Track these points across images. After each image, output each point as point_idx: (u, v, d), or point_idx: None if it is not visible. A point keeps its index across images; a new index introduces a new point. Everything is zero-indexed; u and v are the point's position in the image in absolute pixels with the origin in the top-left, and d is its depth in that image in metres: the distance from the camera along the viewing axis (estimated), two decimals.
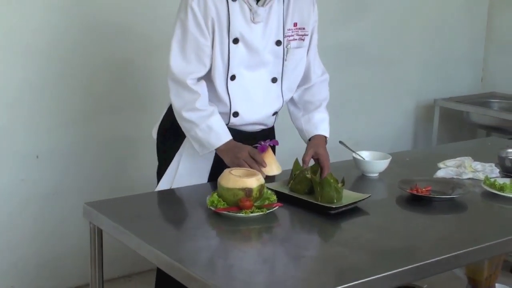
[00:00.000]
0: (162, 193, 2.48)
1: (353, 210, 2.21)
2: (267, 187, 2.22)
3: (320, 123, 2.61)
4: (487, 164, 2.69)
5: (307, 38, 2.56)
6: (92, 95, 3.42)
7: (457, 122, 4.92)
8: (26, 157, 3.29)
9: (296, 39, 2.51)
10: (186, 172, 2.52)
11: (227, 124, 2.48)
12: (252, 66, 2.46)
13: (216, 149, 2.43)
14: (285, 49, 2.49)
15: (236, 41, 2.40)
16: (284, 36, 2.48)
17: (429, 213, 2.28)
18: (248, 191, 2.10)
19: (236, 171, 2.17)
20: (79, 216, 2.25)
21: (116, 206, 2.26)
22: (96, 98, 3.43)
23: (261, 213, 2.09)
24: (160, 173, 2.61)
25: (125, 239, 2.02)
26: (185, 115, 2.41)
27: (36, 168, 3.32)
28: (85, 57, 3.36)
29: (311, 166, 2.38)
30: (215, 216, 2.10)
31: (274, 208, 2.13)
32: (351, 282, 1.69)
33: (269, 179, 2.34)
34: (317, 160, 2.47)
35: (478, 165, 2.68)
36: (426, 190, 2.35)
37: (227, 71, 2.42)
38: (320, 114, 2.63)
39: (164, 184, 2.54)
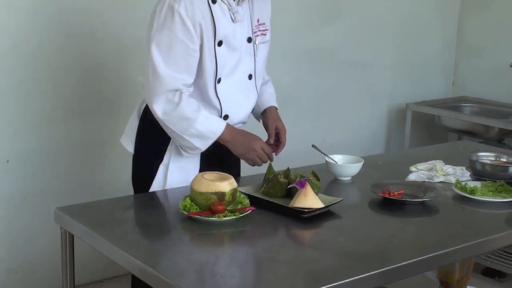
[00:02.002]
0: (134, 197, 2.47)
1: (326, 214, 2.21)
2: (240, 191, 2.22)
3: (272, 96, 2.74)
4: (458, 168, 2.71)
5: (268, 33, 2.60)
6: (62, 98, 3.39)
7: (428, 126, 4.96)
8: None
9: (258, 35, 2.56)
10: (174, 181, 2.48)
11: None
12: (233, 66, 2.48)
13: (220, 139, 2.42)
14: (255, 45, 2.53)
15: (220, 43, 2.40)
16: (252, 33, 2.52)
17: (401, 216, 2.29)
18: (220, 195, 2.09)
19: (208, 175, 2.17)
20: (50, 221, 2.23)
21: (87, 210, 2.24)
22: (65, 102, 3.40)
23: (234, 217, 2.09)
24: (139, 183, 2.56)
25: (96, 244, 2.01)
26: (178, 115, 2.35)
27: (6, 172, 3.28)
28: (54, 60, 3.33)
29: (284, 171, 2.38)
30: (188, 220, 2.10)
31: (247, 212, 2.13)
32: (323, 286, 1.69)
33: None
34: (277, 134, 2.60)
35: (449, 169, 2.70)
36: (398, 194, 2.36)
37: (215, 74, 2.42)
38: (270, 89, 2.75)
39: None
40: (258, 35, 2.55)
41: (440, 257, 1.97)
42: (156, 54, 2.34)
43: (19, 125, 3.29)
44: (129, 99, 3.56)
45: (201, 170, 2.48)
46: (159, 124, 2.43)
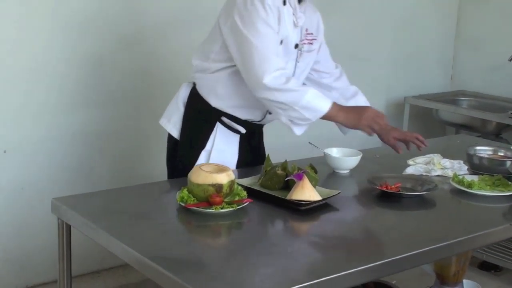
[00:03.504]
0: (132, 188, 2.47)
1: (323, 206, 2.21)
2: (238, 183, 2.22)
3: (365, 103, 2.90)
4: (455, 161, 2.71)
5: (315, 43, 2.70)
6: (61, 89, 3.38)
7: (426, 120, 4.96)
8: None
9: (305, 43, 2.64)
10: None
11: (259, 120, 2.67)
12: None
13: (330, 113, 2.51)
14: (299, 52, 2.61)
15: (281, 42, 2.51)
16: (300, 40, 2.61)
17: (398, 210, 2.30)
18: (218, 187, 2.09)
19: (206, 166, 2.17)
20: (47, 211, 2.23)
21: (85, 201, 2.24)
22: (65, 93, 3.40)
23: (231, 209, 2.09)
24: (177, 167, 2.63)
25: (94, 235, 2.01)
26: (289, 88, 2.43)
27: (4, 163, 3.28)
28: (56, 50, 3.33)
29: (281, 163, 2.38)
30: (185, 211, 2.10)
31: (244, 204, 2.13)
32: (320, 278, 1.70)
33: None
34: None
35: (446, 162, 2.70)
36: (396, 187, 2.37)
37: None
38: (362, 97, 2.94)
39: None
40: (305, 43, 2.64)
41: (436, 250, 1.98)
42: (257, 40, 2.42)
43: (17, 115, 3.28)
44: (130, 91, 3.57)
45: (238, 157, 2.65)
46: (204, 112, 2.59)
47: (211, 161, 2.56)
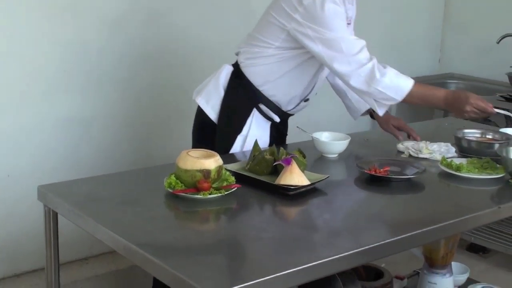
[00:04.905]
0: (119, 175, 2.45)
1: (312, 191, 2.21)
2: (226, 169, 2.21)
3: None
4: (443, 144, 2.71)
5: None
6: (46, 75, 3.34)
7: None
8: None
9: None
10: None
11: (292, 108, 2.80)
12: None
13: (412, 92, 2.59)
14: None
15: None
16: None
17: (387, 193, 2.29)
18: (206, 173, 2.08)
19: (193, 152, 2.15)
20: (34, 198, 2.21)
21: (71, 188, 2.22)
22: (50, 78, 3.36)
23: (219, 194, 2.07)
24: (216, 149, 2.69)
25: (81, 222, 1.99)
26: (370, 70, 2.55)
27: None
28: (36, 36, 3.28)
29: (269, 148, 2.37)
30: (173, 198, 2.08)
31: (233, 190, 2.12)
32: (309, 263, 1.69)
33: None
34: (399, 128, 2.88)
35: (434, 145, 2.70)
36: (384, 171, 2.36)
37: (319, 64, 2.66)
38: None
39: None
40: None
41: (425, 234, 1.97)
42: (343, 32, 2.59)
43: (2, 103, 3.25)
44: (111, 76, 3.53)
45: (269, 144, 2.72)
46: (245, 98, 2.70)
47: (246, 146, 2.67)
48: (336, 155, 2.64)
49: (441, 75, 5.07)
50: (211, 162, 2.10)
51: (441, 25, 5.19)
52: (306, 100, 2.82)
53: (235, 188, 2.13)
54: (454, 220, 2.06)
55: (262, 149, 2.37)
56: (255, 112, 2.72)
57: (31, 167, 3.36)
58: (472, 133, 2.84)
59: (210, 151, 2.19)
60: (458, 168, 2.43)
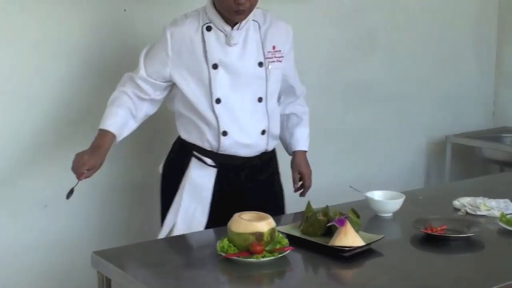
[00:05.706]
0: (171, 239, 2.45)
1: (367, 252, 2.16)
2: (279, 231, 2.18)
3: (302, 139, 2.90)
4: (501, 200, 2.64)
5: (283, 60, 2.72)
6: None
7: (469, 158, 4.87)
8: (33, 206, 3.26)
9: (274, 61, 2.68)
10: (189, 201, 2.66)
11: (217, 150, 2.64)
12: (237, 87, 2.61)
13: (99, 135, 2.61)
14: (267, 70, 2.65)
15: (215, 66, 2.57)
16: (265, 58, 2.64)
17: (445, 253, 2.23)
18: (258, 235, 2.06)
19: (246, 215, 2.14)
20: (87, 265, 2.21)
21: (125, 254, 2.22)
22: None
23: (272, 257, 2.05)
24: (164, 211, 2.76)
25: None
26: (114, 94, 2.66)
27: (44, 217, 3.28)
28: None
29: (322, 209, 2.34)
30: (226, 262, 2.06)
31: (286, 252, 2.09)
32: None
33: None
34: (301, 178, 2.85)
35: (492, 202, 2.63)
36: (441, 229, 2.31)
37: (210, 95, 2.59)
38: (302, 128, 2.91)
39: (170, 219, 2.66)
40: (273, 61, 2.67)
41: None
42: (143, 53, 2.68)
43: (56, 169, 3.29)
44: (163, 138, 3.56)
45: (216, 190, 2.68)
46: (181, 148, 2.74)
47: (184, 194, 2.65)
48: (390, 214, 2.59)
49: (495, 129, 4.98)
50: (264, 224, 2.08)
51: (494, 78, 5.13)
52: (225, 134, 2.62)
53: (289, 251, 2.09)
54: None
55: (315, 210, 2.34)
56: (193, 160, 2.70)
57: (83, 233, 3.37)
58: None
59: (263, 213, 2.17)
60: None
